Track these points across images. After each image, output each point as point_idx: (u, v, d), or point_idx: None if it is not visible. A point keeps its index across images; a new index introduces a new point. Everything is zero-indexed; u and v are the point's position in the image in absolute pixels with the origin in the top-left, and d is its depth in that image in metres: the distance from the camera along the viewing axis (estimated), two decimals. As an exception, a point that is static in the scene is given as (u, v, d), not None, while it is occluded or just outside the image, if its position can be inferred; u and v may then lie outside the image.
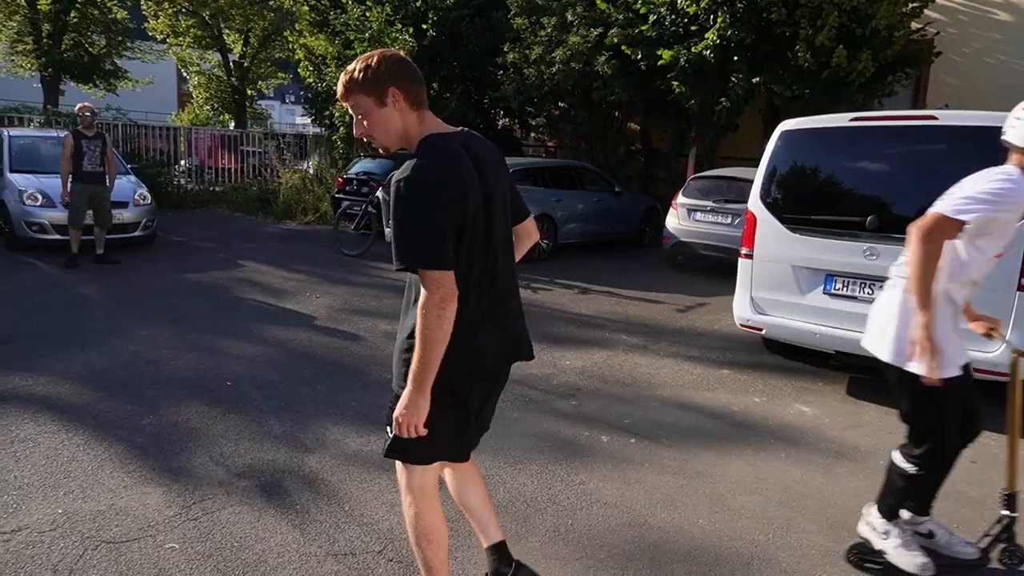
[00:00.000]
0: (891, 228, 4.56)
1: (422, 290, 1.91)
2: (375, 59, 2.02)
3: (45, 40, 17.25)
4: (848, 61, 9.29)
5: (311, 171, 14.92)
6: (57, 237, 8.48)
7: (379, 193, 9.59)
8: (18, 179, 8.82)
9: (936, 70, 11.63)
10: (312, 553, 2.76)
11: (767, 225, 5.16)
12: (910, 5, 9.87)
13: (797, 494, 3.43)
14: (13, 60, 18.27)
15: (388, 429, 2.12)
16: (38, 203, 8.52)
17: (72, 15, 17.53)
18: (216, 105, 25.99)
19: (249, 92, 25.48)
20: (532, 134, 18.46)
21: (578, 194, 10.74)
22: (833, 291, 4.82)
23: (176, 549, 2.75)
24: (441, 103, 14.85)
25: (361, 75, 2.00)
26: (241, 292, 7.34)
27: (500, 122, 17.55)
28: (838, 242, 4.79)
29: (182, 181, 15.66)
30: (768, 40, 10.04)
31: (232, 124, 24.33)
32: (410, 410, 1.96)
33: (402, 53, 2.12)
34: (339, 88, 2.06)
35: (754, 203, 5.27)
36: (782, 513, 3.24)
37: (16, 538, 2.77)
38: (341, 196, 11.61)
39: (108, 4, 18.65)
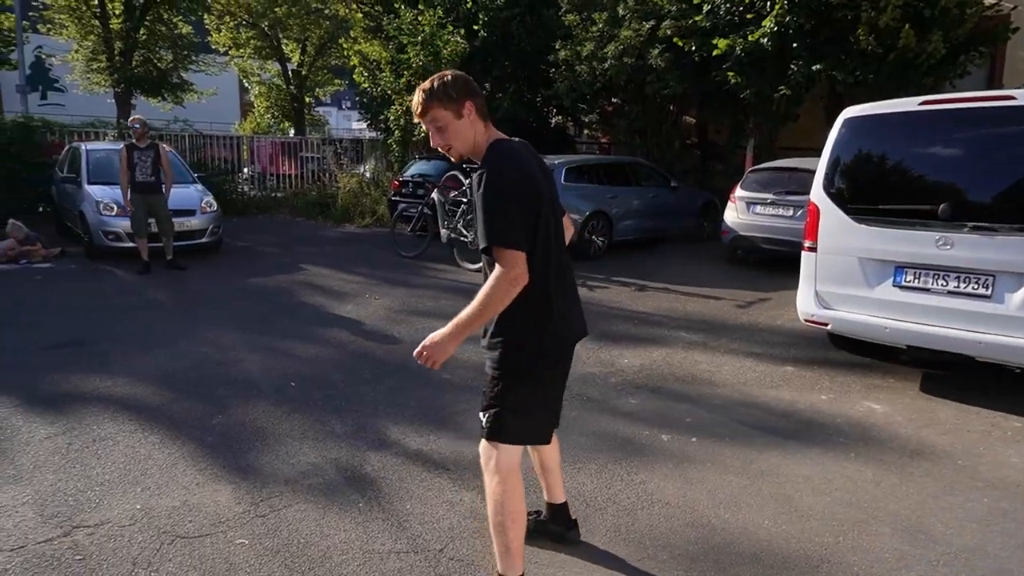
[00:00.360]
0: (966, 216, 4.36)
1: (496, 267, 2.10)
2: (448, 77, 2.28)
3: (117, 57, 18.08)
4: (916, 42, 8.89)
5: (368, 175, 15.20)
6: (131, 245, 8.85)
7: (434, 195, 9.69)
8: (95, 190, 9.28)
9: (1013, 47, 11.01)
10: (375, 550, 2.80)
11: (831, 216, 4.99)
12: (982, -20, 9.38)
13: (869, 495, 3.30)
14: (89, 78, 19.24)
15: (482, 416, 2.34)
16: (113, 213, 8.94)
17: (141, 32, 18.33)
18: (276, 113, 26.82)
19: (307, 99, 26.19)
20: (585, 131, 18.35)
21: (633, 190, 10.61)
22: (904, 283, 4.61)
23: (246, 545, 2.84)
24: (494, 103, 14.91)
25: (441, 90, 2.24)
26: (303, 295, 7.54)
27: (553, 120, 17.51)
28: (908, 232, 4.58)
29: (245, 188, 16.19)
30: (828, 25, 9.69)
31: (292, 131, 25.04)
32: (438, 348, 2.16)
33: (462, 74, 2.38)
34: (416, 105, 2.29)
35: (817, 194, 5.10)
36: (853, 514, 3.12)
37: (99, 531, 2.92)
38: (397, 199, 11.79)
39: (174, 20, 19.42)
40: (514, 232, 2.10)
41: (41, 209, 12.48)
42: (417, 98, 2.28)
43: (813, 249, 5.08)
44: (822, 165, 5.11)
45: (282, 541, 2.87)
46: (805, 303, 5.15)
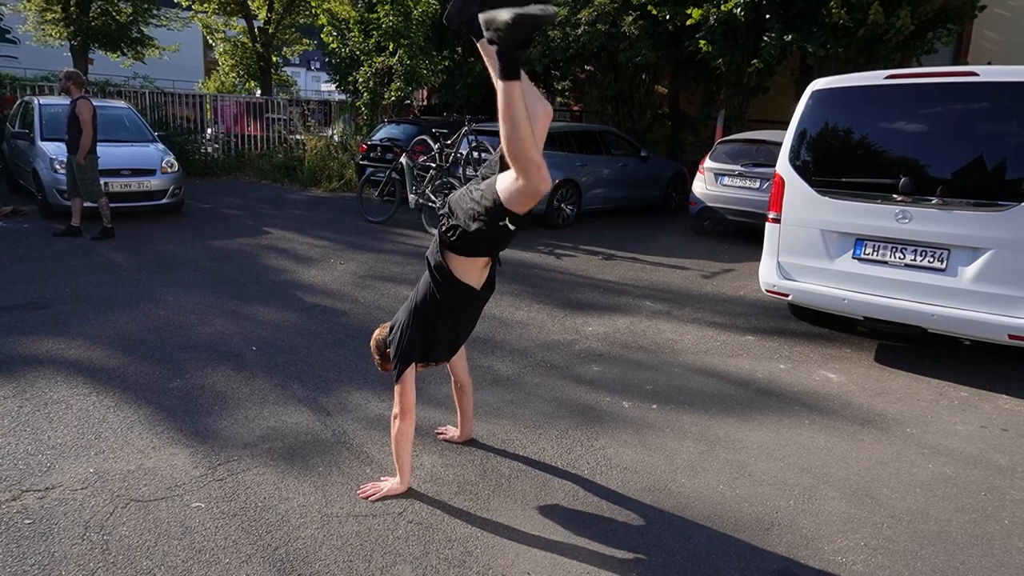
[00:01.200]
0: (925, 190, 4.43)
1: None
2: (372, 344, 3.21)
3: (73, 8, 17.28)
4: (886, 18, 8.94)
5: (335, 138, 14.90)
6: (88, 204, 8.60)
7: (403, 159, 9.54)
8: (49, 147, 8.93)
9: (979, 25, 11.16)
10: (333, 514, 2.80)
11: (796, 188, 5.04)
12: (951, -42, 9.42)
13: (820, 461, 3.40)
14: (43, 29, 18.36)
15: None
16: (69, 171, 8.62)
17: (99, -18, 17.56)
18: (241, 72, 25.98)
19: (274, 59, 25.38)
20: (557, 99, 18.19)
21: (603, 159, 10.58)
22: (863, 256, 4.70)
23: (202, 508, 2.81)
24: (466, 67, 14.70)
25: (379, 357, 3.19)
26: (267, 259, 7.41)
27: (525, 86, 17.26)
28: (869, 205, 4.65)
29: (208, 149, 15.75)
30: (802, -3, 9.70)
31: (258, 92, 24.34)
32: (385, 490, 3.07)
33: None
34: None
35: (782, 166, 5.14)
36: (805, 480, 3.21)
37: (50, 495, 2.86)
38: (365, 163, 11.60)
39: (133, -30, 18.59)
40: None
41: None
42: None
43: (777, 220, 5.14)
44: (789, 137, 5.14)
45: (239, 505, 2.85)
46: (767, 274, 5.22)
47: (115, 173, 8.84)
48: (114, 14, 18.56)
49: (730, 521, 2.86)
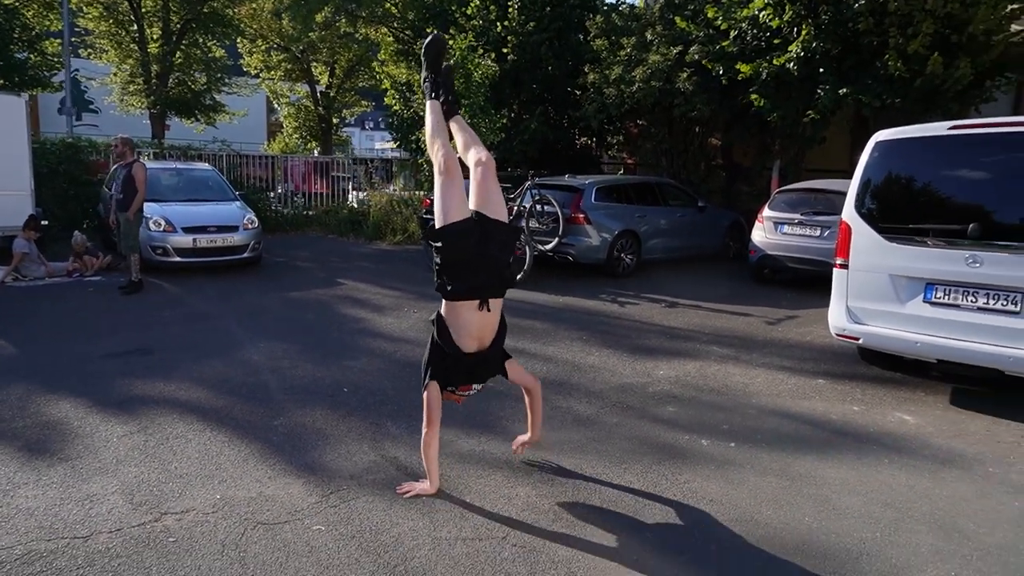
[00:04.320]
0: (994, 235, 4.54)
1: None
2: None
3: (154, 80, 18.75)
4: (944, 68, 9.07)
5: (397, 193, 15.57)
6: (178, 260, 9.26)
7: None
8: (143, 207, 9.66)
9: (1038, 73, 11.13)
10: (443, 537, 3.02)
11: (863, 235, 5.18)
12: (1010, 7, 9.51)
13: (903, 497, 3.47)
14: (125, 100, 19.94)
15: None
16: (161, 228, 9.32)
17: (177, 56, 19.01)
18: (304, 134, 27.48)
19: (334, 120, 26.80)
20: (609, 152, 18.65)
21: (661, 210, 10.83)
22: (934, 299, 4.79)
23: (322, 531, 3.07)
24: (521, 124, 15.28)
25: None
26: (343, 308, 7.82)
27: (579, 141, 17.83)
28: (938, 250, 4.77)
29: (277, 205, 16.62)
30: (856, 51, 9.92)
31: (317, 151, 25.63)
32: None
33: None
34: None
35: (849, 214, 5.30)
36: (889, 514, 3.29)
37: (186, 518, 3.16)
38: (428, 216, 12.09)
39: (208, 44, 20.09)
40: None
41: (85, 225, 12.94)
42: None
43: (845, 266, 5.27)
44: (854, 186, 5.32)
45: (355, 528, 3.10)
46: (837, 318, 5.33)
47: (202, 230, 9.52)
48: (190, 84, 20.03)
49: (819, 551, 2.97)
